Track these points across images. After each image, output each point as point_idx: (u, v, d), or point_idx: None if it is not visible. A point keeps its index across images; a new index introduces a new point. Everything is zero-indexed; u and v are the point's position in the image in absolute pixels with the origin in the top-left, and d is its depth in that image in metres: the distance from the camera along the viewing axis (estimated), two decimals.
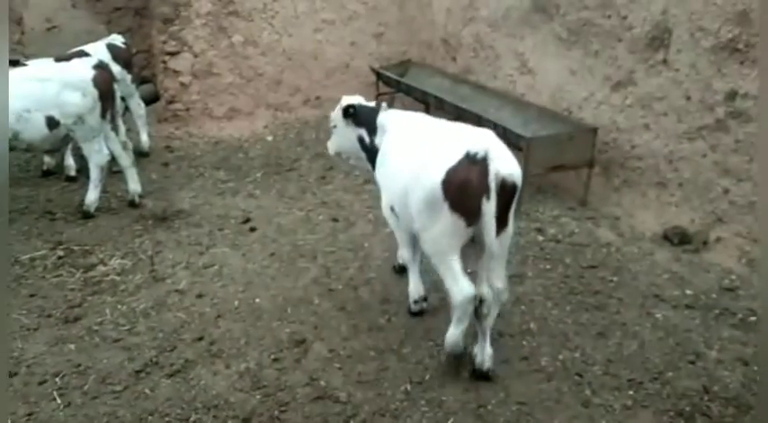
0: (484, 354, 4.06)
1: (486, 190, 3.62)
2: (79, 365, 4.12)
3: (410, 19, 10.40)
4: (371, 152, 4.84)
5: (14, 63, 6.32)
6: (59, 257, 5.66)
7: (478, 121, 6.96)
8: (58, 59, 6.91)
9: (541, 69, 7.74)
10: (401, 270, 5.14)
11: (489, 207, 3.62)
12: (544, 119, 7.03)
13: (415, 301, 4.71)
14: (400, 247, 4.87)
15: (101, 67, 6.35)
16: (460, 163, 3.70)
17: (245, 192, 7.13)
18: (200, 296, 4.99)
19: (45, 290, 5.11)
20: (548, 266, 5.46)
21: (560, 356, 4.30)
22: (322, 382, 4.04)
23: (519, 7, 7.89)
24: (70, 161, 7.53)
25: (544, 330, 4.59)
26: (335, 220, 6.43)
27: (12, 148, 6.32)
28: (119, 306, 4.84)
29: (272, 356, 4.24)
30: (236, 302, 4.88)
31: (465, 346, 4.11)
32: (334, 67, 10.43)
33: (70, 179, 7.47)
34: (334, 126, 5.06)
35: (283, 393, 3.95)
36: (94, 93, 6.18)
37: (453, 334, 4.02)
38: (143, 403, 3.86)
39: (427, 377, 4.10)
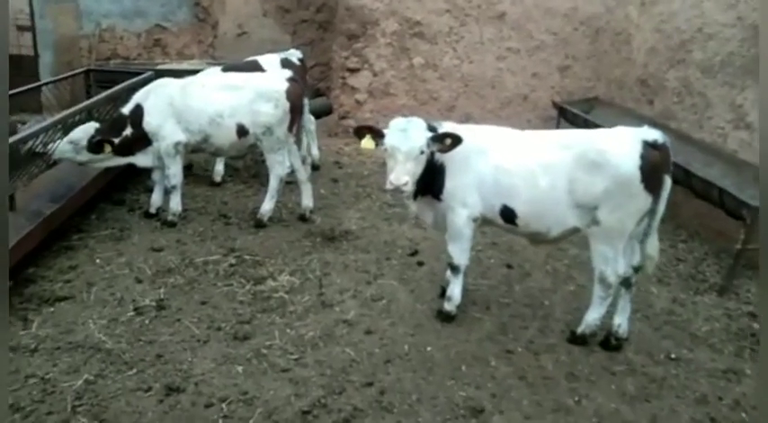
0: (625, 322, 4.57)
1: (668, 168, 4.20)
2: (246, 393, 3.92)
3: (602, 54, 9.67)
4: (435, 171, 4.51)
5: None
6: (231, 265, 5.64)
7: (686, 175, 6.15)
8: (226, 69, 7.00)
9: (763, 126, 6.72)
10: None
11: (669, 182, 4.21)
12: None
13: None
14: (461, 256, 4.75)
15: (294, 80, 6.33)
16: (647, 149, 4.11)
17: (411, 220, 6.81)
18: (368, 332, 4.67)
19: (216, 299, 5.06)
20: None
21: None
22: None
23: (745, 54, 6.94)
24: (220, 167, 7.64)
25: None
26: (509, 266, 5.91)
27: (199, 150, 6.47)
28: (287, 330, 4.64)
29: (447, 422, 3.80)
30: (407, 347, 4.50)
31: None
32: (512, 97, 9.95)
33: (214, 184, 7.59)
34: (422, 152, 4.34)
35: None
36: (286, 105, 6.16)
37: (596, 316, 4.54)
38: None
39: None
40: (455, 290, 4.85)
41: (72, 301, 4.92)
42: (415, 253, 6.09)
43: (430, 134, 4.38)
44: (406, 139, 4.31)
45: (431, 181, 4.59)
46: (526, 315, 5.05)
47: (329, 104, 10.38)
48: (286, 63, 7.47)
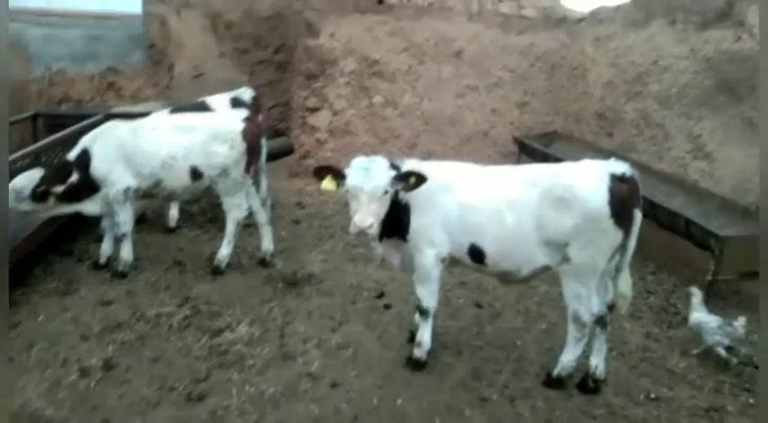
0: (602, 363, 4.37)
1: (638, 202, 4.08)
2: None
3: (559, 89, 9.77)
4: (400, 210, 4.33)
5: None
6: (186, 316, 5.29)
7: (651, 206, 6.10)
8: (174, 110, 6.76)
9: (722, 155, 6.80)
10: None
11: (639, 216, 4.09)
12: (728, 213, 6.04)
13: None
14: (430, 299, 4.56)
15: (250, 119, 6.12)
16: (615, 183, 4.00)
17: (378, 262, 6.57)
18: (334, 386, 4.38)
19: (169, 355, 4.71)
20: (751, 400, 4.42)
21: None
22: None
23: (699, 86, 7.04)
24: (174, 211, 7.30)
25: None
26: (479, 305, 5.71)
27: (151, 195, 6.16)
28: (246, 387, 4.32)
29: None
30: (375, 400, 4.22)
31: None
32: (472, 133, 9.93)
33: (169, 230, 7.24)
34: (385, 192, 4.14)
35: None
36: (242, 145, 5.93)
37: (572, 358, 4.36)
38: None
39: None
40: (424, 335, 4.61)
41: (10, 364, 4.50)
42: (381, 295, 5.85)
43: (393, 173, 4.20)
44: (368, 178, 4.12)
45: (396, 221, 4.39)
46: (499, 358, 4.83)
47: (290, 144, 10.19)
48: (236, 102, 7.23)
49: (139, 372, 4.49)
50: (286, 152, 10.26)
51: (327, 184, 4.44)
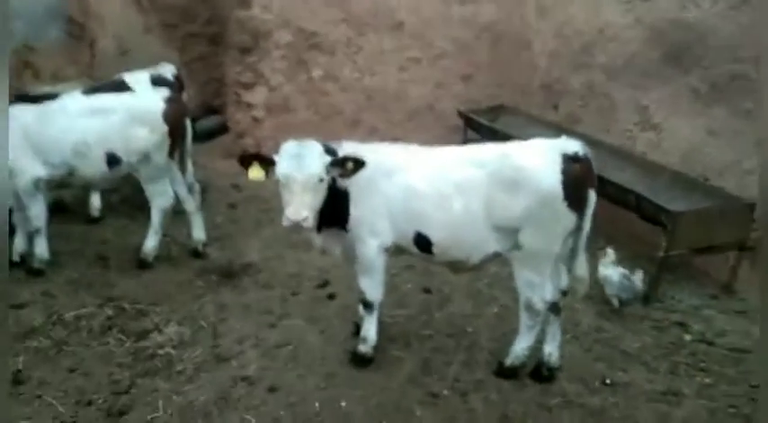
0: (556, 350, 4.17)
1: (592, 182, 3.81)
2: None
3: (504, 61, 9.47)
4: (337, 198, 3.93)
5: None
6: (108, 318, 4.83)
7: (599, 181, 5.90)
8: (87, 91, 6.17)
9: (670, 127, 6.67)
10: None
11: (593, 197, 3.81)
12: (680, 187, 5.90)
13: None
14: (374, 292, 4.22)
15: (171, 99, 5.58)
16: (568, 163, 3.71)
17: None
18: (272, 390, 4.02)
19: (88, 363, 4.25)
20: (707, 380, 4.31)
21: None
22: None
23: (646, 55, 6.86)
24: (96, 200, 6.71)
25: None
26: (427, 290, 5.42)
27: (66, 185, 5.59)
28: (174, 397, 3.92)
29: None
30: (317, 405, 3.90)
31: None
32: (417, 108, 9.55)
33: (92, 220, 6.66)
34: (321, 180, 3.76)
35: None
36: (164, 128, 5.40)
37: (525, 346, 4.13)
38: None
39: None
40: (370, 329, 4.29)
41: None
42: (325, 284, 5.49)
43: (328, 158, 3.81)
44: (300, 166, 3.72)
45: (334, 210, 4.02)
46: (449, 347, 4.57)
47: (224, 122, 9.64)
48: (157, 80, 6.64)
49: (54, 385, 4.03)
50: (220, 131, 9.72)
51: (255, 172, 4.02)
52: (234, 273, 5.65)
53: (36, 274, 5.41)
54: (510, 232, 3.76)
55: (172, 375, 4.14)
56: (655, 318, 5.15)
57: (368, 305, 4.24)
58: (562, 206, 3.67)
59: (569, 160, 3.70)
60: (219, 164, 8.51)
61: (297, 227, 3.72)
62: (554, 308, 4.04)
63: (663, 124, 6.76)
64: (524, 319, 4.04)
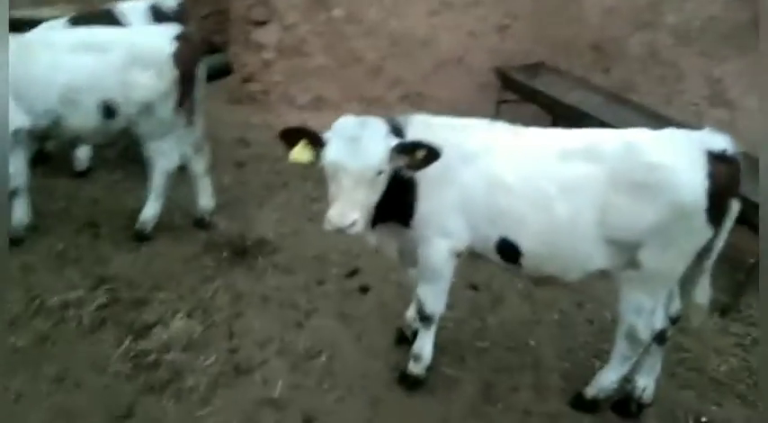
0: (652, 384, 3.47)
1: (737, 189, 2.96)
2: None
3: (548, 13, 8.44)
4: (401, 187, 3.08)
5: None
6: (101, 306, 4.02)
7: None
8: (74, 21, 5.15)
9: (745, 104, 5.84)
10: (414, 336, 3.65)
11: (736, 208, 2.97)
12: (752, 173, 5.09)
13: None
14: (436, 303, 3.42)
15: (185, 37, 4.59)
16: (714, 164, 2.87)
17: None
18: (307, 420, 3.27)
19: (77, 371, 3.47)
20: None
21: None
22: None
23: (728, 19, 5.94)
24: (83, 152, 5.77)
25: None
26: (474, 287, 4.66)
27: (49, 137, 4.66)
28: None
29: None
30: None
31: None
32: (446, 59, 8.55)
33: (78, 175, 5.75)
34: (380, 173, 2.94)
35: None
36: (173, 73, 4.45)
37: (615, 379, 3.41)
38: None
39: None
40: (425, 346, 3.54)
41: None
42: (354, 272, 4.70)
43: (393, 142, 2.94)
44: (356, 153, 2.87)
45: (395, 201, 3.19)
46: (512, 366, 3.85)
47: (228, 63, 8.55)
48: (157, 11, 5.58)
49: (36, 401, 3.23)
50: (223, 72, 8.63)
51: (299, 153, 3.11)
52: (247, 250, 4.84)
53: (14, 243, 4.53)
54: (626, 247, 2.97)
55: (182, 393, 3.37)
56: (735, 332, 4.47)
57: (426, 318, 3.47)
58: (701, 219, 2.87)
59: (716, 160, 2.88)
60: (223, 112, 7.53)
61: (341, 232, 2.89)
62: (660, 337, 3.30)
63: (738, 101, 5.93)
64: (621, 347, 3.30)
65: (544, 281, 3.34)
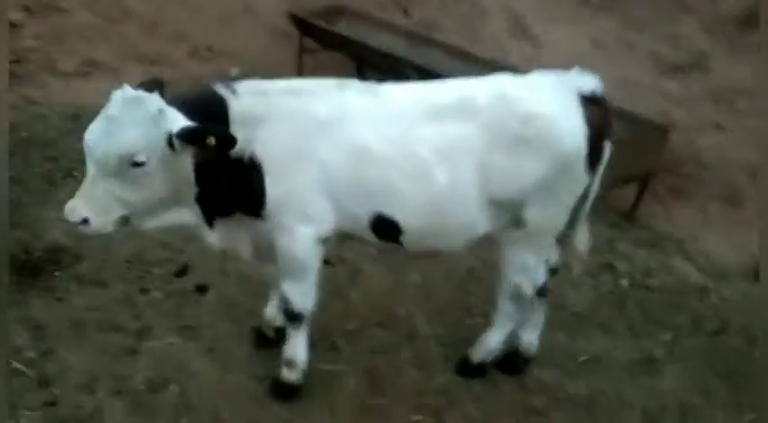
0: (536, 339, 3.33)
1: (609, 132, 2.77)
2: None
3: None
4: (242, 172, 2.60)
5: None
6: None
7: None
8: None
9: (548, 37, 6.01)
10: (278, 335, 3.26)
11: (608, 150, 2.79)
12: None
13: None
14: (305, 299, 2.92)
15: None
16: (588, 108, 2.67)
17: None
18: None
19: None
20: (666, 337, 3.86)
21: None
22: None
23: None
24: None
25: None
26: (328, 262, 4.16)
27: None
28: None
29: None
30: None
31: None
32: (233, 7, 7.70)
33: None
34: (137, 164, 2.35)
35: None
36: None
37: (500, 339, 3.22)
38: None
39: None
40: (297, 348, 3.04)
41: None
42: (184, 270, 3.96)
43: (176, 126, 2.35)
44: (104, 136, 2.32)
45: (236, 189, 2.58)
46: (388, 344, 3.53)
47: None
48: None
49: None
50: None
51: None
52: (38, 265, 3.84)
53: None
54: (510, 207, 2.71)
55: None
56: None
57: (295, 317, 2.95)
58: (581, 167, 2.70)
59: (589, 103, 2.69)
60: None
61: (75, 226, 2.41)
62: (542, 291, 3.15)
63: (540, 34, 6.07)
64: (506, 307, 3.11)
65: (425, 254, 3.01)
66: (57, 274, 3.81)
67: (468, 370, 3.32)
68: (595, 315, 4.01)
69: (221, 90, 2.55)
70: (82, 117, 5.77)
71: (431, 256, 3.11)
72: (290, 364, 3.03)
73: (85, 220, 2.38)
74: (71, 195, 2.42)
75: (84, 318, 3.47)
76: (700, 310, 4.17)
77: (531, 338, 3.32)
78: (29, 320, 3.41)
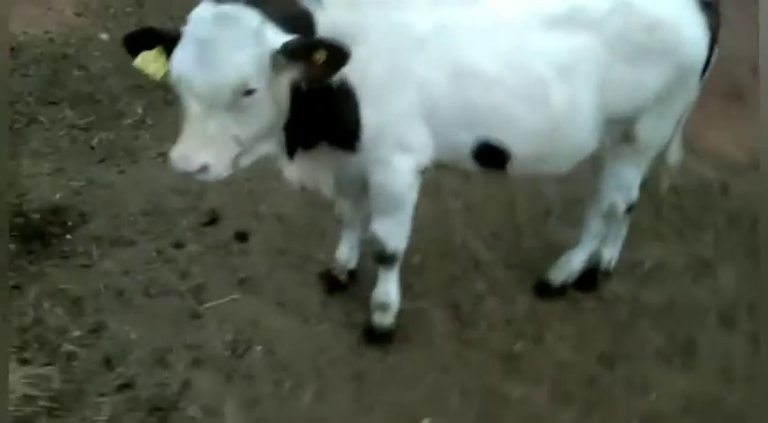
0: (617, 254, 3.24)
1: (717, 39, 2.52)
2: None
3: None
4: (331, 99, 2.22)
5: None
6: None
7: None
8: None
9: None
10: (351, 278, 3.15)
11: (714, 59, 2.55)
12: None
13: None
14: (399, 237, 2.66)
15: None
16: (705, 14, 2.43)
17: (153, 141, 4.05)
18: None
19: None
20: (704, 233, 3.90)
21: None
22: None
23: None
24: None
25: None
26: None
27: None
28: None
29: None
30: None
31: None
32: None
33: None
34: (249, 93, 1.94)
35: None
36: None
37: (584, 258, 3.13)
38: None
39: None
40: (390, 290, 2.81)
41: None
42: (214, 219, 3.56)
43: (278, 42, 1.93)
44: (205, 64, 1.88)
45: (324, 119, 2.24)
46: (457, 274, 3.35)
47: None
48: None
49: None
50: None
51: (147, 61, 2.04)
52: (43, 229, 3.34)
53: None
54: (623, 123, 2.51)
55: None
56: None
57: (388, 258, 2.69)
58: (697, 77, 2.52)
59: (706, 9, 2.46)
60: None
61: (189, 176, 2.00)
62: (631, 207, 3.02)
63: None
64: (596, 225, 2.99)
65: (522, 178, 2.79)
66: (68, 237, 3.32)
67: (550, 291, 3.22)
68: (639, 223, 3.98)
69: (305, 1, 2.12)
70: (25, 50, 5.01)
71: (525, 179, 2.89)
72: (384, 307, 2.81)
73: (205, 167, 1.96)
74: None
75: (122, 283, 3.07)
76: (728, 207, 4.24)
77: (612, 253, 3.24)
78: (57, 294, 2.98)
